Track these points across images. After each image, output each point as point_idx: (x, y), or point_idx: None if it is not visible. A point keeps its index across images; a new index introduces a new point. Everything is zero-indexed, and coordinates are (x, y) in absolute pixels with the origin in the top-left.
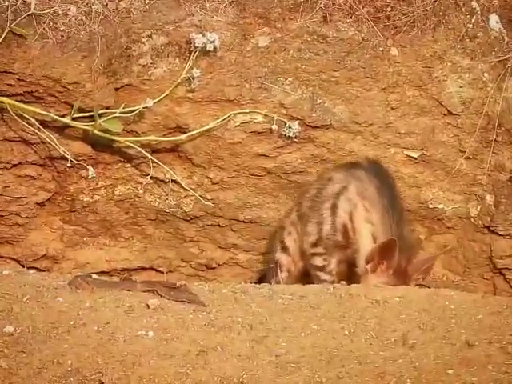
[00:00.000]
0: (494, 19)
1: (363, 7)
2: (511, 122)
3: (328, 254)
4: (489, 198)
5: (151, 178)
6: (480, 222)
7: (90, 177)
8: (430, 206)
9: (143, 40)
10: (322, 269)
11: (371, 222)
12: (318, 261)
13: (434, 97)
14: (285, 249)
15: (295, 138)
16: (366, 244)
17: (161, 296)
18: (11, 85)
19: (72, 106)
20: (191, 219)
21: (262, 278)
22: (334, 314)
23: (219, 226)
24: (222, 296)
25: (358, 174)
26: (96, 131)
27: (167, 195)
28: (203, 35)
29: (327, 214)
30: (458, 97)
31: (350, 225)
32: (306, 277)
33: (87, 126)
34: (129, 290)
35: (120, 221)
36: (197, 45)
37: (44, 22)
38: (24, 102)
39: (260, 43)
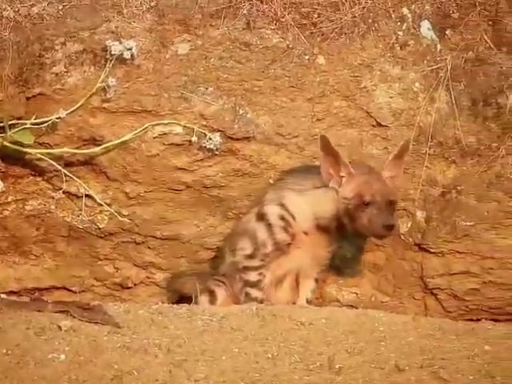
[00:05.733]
0: (425, 26)
1: (288, 13)
2: (444, 135)
3: (265, 267)
4: (420, 214)
5: (64, 192)
6: (410, 239)
7: None
8: None
9: (56, 47)
10: (255, 285)
11: (303, 192)
12: (252, 276)
13: (362, 107)
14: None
15: (216, 150)
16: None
17: (73, 317)
18: None
19: None
20: (106, 236)
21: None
22: (257, 337)
23: (135, 243)
24: (138, 317)
25: (276, 184)
26: (6, 143)
27: (80, 210)
28: (120, 42)
29: (255, 223)
30: (388, 108)
31: (286, 213)
32: None
33: None
34: (40, 311)
35: (31, 237)
36: (113, 52)
37: None
38: None
39: (180, 51)
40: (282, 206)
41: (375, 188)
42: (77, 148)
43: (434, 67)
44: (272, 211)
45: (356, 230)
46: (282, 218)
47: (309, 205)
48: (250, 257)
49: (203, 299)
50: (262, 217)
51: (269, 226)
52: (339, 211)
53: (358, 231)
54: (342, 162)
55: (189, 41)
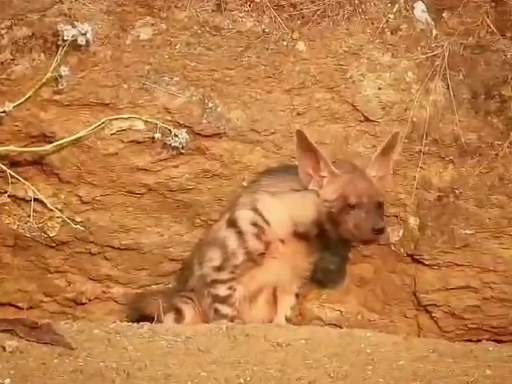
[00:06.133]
0: (420, 8)
1: None
2: (440, 131)
3: (235, 280)
4: (413, 221)
5: (9, 196)
6: (402, 249)
7: None
8: None
9: (2, 32)
10: (224, 300)
11: (279, 194)
12: (221, 290)
13: (347, 100)
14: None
15: (182, 148)
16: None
17: (20, 337)
18: None
19: None
20: (57, 245)
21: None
22: (228, 359)
23: (90, 253)
24: (94, 337)
25: (250, 187)
26: None
27: (28, 217)
28: (73, 26)
29: (226, 230)
30: (377, 100)
31: (260, 219)
32: None
33: None
34: None
35: None
36: (66, 38)
37: None
38: None
39: (141, 36)
40: (256, 210)
41: (361, 188)
42: (24, 146)
43: (429, 55)
44: (243, 216)
45: (340, 235)
46: (255, 224)
47: (286, 209)
48: (219, 269)
49: (169, 318)
50: (232, 223)
51: (239, 233)
52: (321, 216)
53: (343, 237)
54: (322, 159)
55: (152, 24)
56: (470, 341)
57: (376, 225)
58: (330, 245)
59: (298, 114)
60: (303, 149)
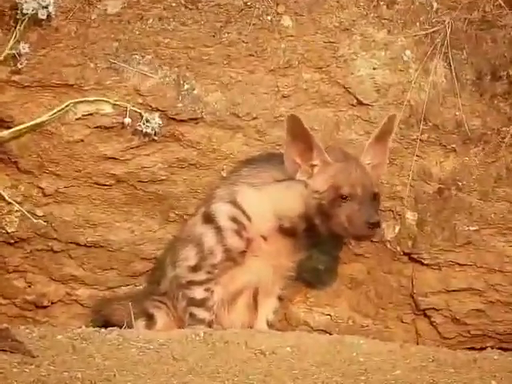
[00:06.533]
0: None
1: None
2: (441, 116)
3: (213, 281)
4: (410, 216)
5: None
6: (398, 247)
7: None
8: None
9: None
10: (201, 303)
11: (261, 186)
12: (198, 292)
13: (338, 81)
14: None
15: (155, 135)
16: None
17: None
18: None
19: None
20: (16, 242)
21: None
22: (205, 369)
23: (53, 251)
24: (57, 344)
25: (229, 178)
26: None
27: None
28: None
29: (202, 226)
30: (371, 82)
31: (239, 213)
32: None
33: None
34: None
35: None
36: (25, 11)
37: None
38: None
39: (109, 9)
40: (235, 204)
41: (354, 178)
42: None
43: (429, 31)
44: (221, 210)
45: (331, 230)
46: (234, 220)
47: (269, 202)
48: (195, 269)
49: (139, 325)
50: (209, 218)
51: (218, 229)
52: (309, 209)
53: (334, 232)
54: (316, 147)
55: None
56: (473, 349)
57: (371, 218)
58: (319, 242)
59: (284, 96)
60: (294, 135)
